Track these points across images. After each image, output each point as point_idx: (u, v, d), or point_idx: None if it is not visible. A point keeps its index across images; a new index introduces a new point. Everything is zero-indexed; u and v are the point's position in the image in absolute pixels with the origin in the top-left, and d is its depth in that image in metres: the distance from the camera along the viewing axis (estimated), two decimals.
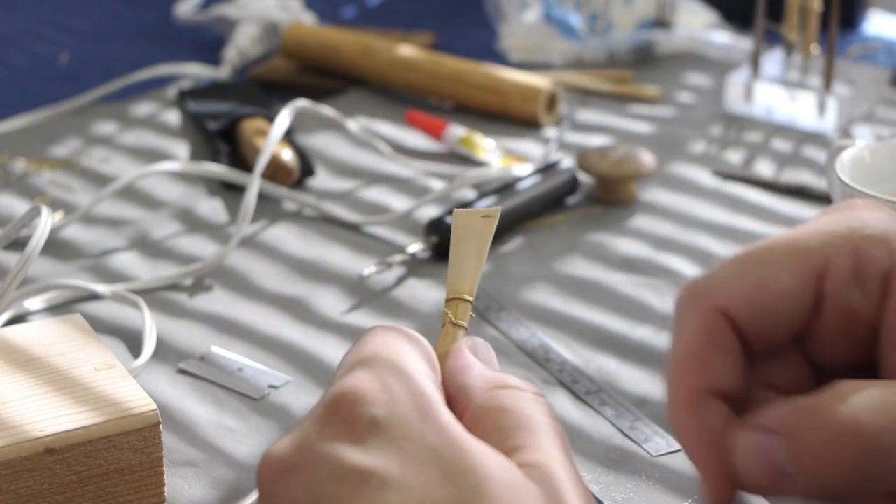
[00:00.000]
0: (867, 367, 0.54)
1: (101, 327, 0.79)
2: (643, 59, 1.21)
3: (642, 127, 1.09)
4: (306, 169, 0.99)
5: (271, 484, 0.47)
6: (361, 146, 1.04)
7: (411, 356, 0.49)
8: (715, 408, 0.53)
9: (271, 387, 0.75)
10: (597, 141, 1.05)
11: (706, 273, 0.54)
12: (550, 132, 1.07)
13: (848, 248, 0.53)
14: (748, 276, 0.53)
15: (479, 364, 0.52)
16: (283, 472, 0.46)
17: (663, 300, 0.83)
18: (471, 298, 0.55)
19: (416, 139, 1.06)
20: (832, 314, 0.54)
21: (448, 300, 0.55)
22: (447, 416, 0.47)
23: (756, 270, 0.53)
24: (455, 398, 0.50)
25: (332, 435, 0.46)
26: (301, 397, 0.74)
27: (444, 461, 0.45)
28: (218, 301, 0.84)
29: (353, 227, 0.92)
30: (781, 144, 1.05)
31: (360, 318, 0.82)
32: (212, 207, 0.95)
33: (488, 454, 0.46)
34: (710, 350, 0.53)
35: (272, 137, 0.95)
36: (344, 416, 0.46)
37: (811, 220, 0.55)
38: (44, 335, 0.68)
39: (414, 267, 0.87)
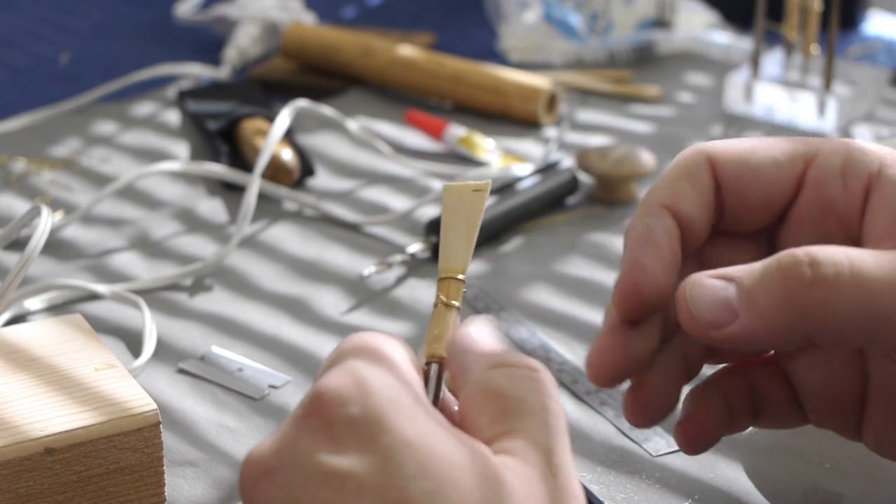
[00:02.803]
0: None
1: (102, 327, 0.80)
2: (643, 59, 1.21)
3: (642, 127, 1.09)
4: (306, 169, 0.99)
5: (252, 487, 0.47)
6: (361, 146, 1.04)
7: (387, 350, 0.49)
8: (667, 221, 0.57)
9: (271, 387, 0.75)
10: (597, 141, 1.05)
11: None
12: (550, 132, 1.07)
13: (841, 148, 0.57)
14: (742, 145, 0.58)
15: (478, 343, 0.51)
16: (263, 475, 0.47)
17: None
18: (463, 277, 0.53)
19: (416, 139, 1.06)
20: (808, 201, 0.57)
21: (440, 279, 0.53)
22: (423, 406, 0.47)
23: (750, 143, 0.59)
24: (455, 380, 0.50)
25: (311, 437, 0.46)
26: (301, 397, 0.74)
27: (419, 455, 0.45)
28: (218, 301, 0.84)
29: (353, 227, 0.92)
30: None
31: (360, 318, 0.82)
32: (212, 207, 0.95)
33: (466, 443, 0.46)
34: (682, 179, 0.58)
35: (272, 137, 0.95)
36: (321, 417, 0.46)
37: None
38: (44, 335, 0.68)
39: (414, 267, 0.87)
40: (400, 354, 0.49)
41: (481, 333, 0.52)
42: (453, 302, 0.53)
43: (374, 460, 0.45)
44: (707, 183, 0.58)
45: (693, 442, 0.60)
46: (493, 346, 0.51)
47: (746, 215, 0.59)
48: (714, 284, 0.54)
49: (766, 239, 0.60)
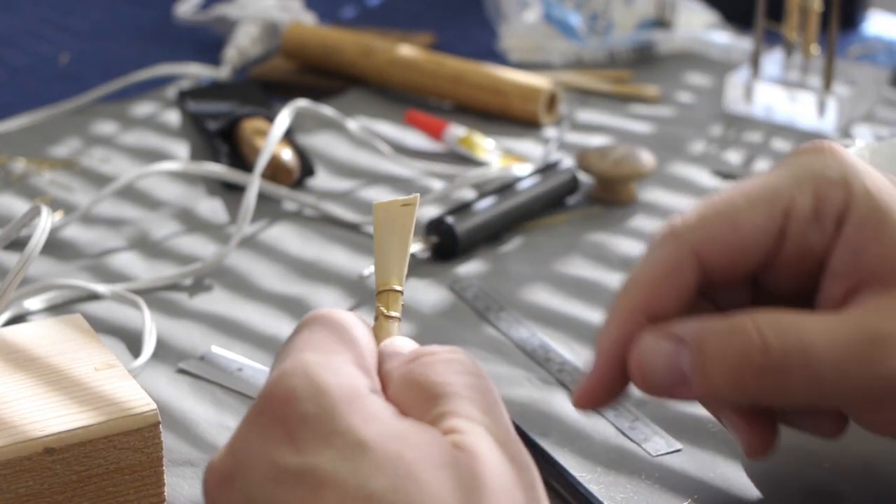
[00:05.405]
0: (809, 299, 0.58)
1: (101, 327, 0.80)
2: (643, 59, 1.21)
3: (642, 127, 1.09)
4: (306, 169, 0.99)
5: (215, 494, 0.47)
6: (361, 146, 1.04)
7: (342, 343, 0.49)
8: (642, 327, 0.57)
9: None
10: (597, 141, 1.05)
11: (684, 215, 0.58)
12: (550, 132, 1.07)
13: (811, 189, 0.57)
14: (722, 219, 0.58)
15: (400, 350, 0.52)
16: (223, 480, 0.46)
17: None
18: (400, 288, 0.55)
19: (416, 139, 1.06)
20: (791, 250, 0.58)
21: (378, 293, 0.55)
22: (376, 401, 0.47)
23: (730, 213, 0.58)
24: (384, 387, 0.50)
25: (265, 436, 0.46)
26: None
27: (374, 452, 0.45)
28: (218, 301, 0.84)
29: (353, 227, 0.92)
30: (781, 144, 1.05)
31: None
32: (212, 207, 0.95)
33: (417, 433, 0.46)
34: (663, 281, 0.57)
35: (272, 137, 0.95)
36: (274, 415, 0.46)
37: (780, 163, 0.60)
38: (44, 335, 0.68)
39: (414, 267, 0.87)
40: (354, 343, 0.50)
41: (401, 344, 0.53)
42: (392, 313, 0.54)
43: (331, 459, 0.45)
44: (690, 281, 0.58)
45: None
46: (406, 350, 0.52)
47: (729, 280, 0.59)
48: (666, 350, 0.55)
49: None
